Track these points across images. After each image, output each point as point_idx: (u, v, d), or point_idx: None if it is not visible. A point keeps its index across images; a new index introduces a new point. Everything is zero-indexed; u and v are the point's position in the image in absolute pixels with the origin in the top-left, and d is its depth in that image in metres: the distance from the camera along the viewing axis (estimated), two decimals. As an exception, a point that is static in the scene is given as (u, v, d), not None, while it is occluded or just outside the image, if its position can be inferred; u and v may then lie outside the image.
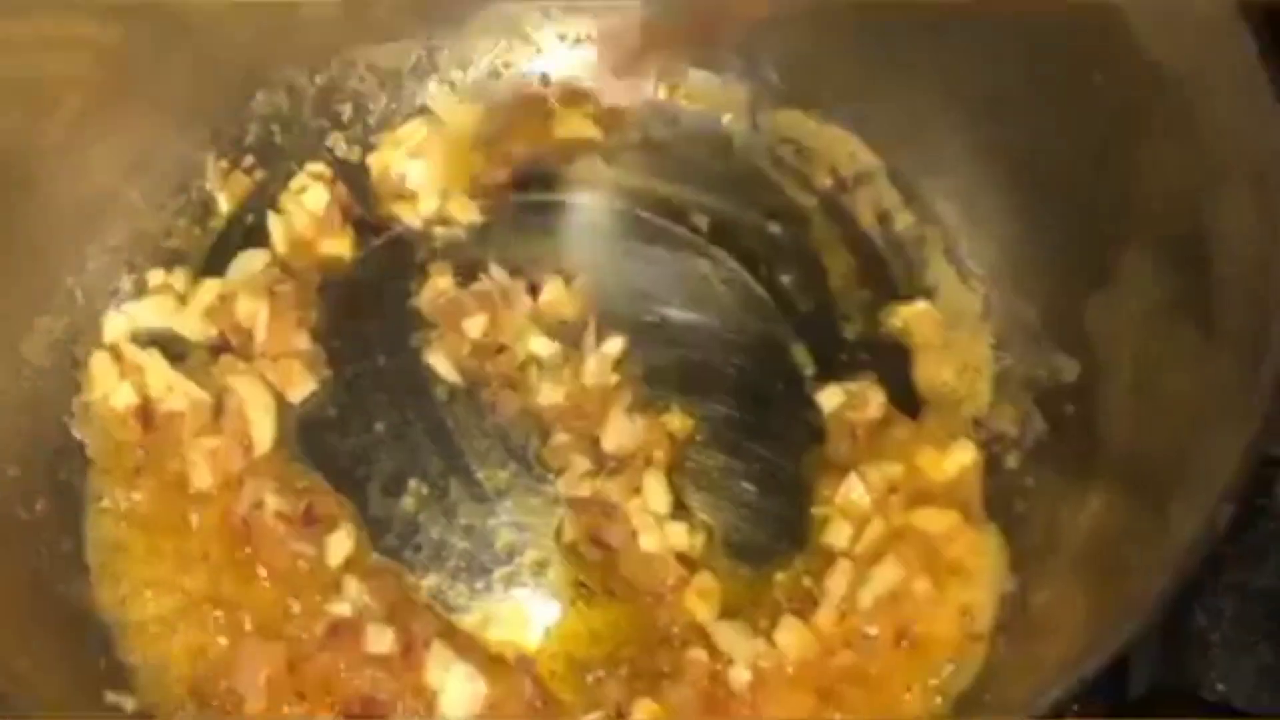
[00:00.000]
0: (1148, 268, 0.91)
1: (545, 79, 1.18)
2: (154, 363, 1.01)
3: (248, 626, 0.94)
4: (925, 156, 1.10)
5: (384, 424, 1.04)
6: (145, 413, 1.00)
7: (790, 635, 0.93)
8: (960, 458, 1.00)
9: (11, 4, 0.93)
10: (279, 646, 0.93)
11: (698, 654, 0.92)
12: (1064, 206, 1.00)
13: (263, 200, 1.13)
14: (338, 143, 1.18)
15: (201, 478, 0.97)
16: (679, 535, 0.97)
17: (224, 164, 1.14)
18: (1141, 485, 0.85)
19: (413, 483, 1.02)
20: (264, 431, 1.00)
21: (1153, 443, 0.87)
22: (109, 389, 1.00)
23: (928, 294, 1.09)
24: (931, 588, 0.93)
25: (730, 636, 0.92)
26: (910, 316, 1.07)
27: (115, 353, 1.02)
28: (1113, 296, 0.94)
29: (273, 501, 0.95)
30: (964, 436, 1.01)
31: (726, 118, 1.17)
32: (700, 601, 0.95)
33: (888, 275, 1.11)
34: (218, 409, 1.00)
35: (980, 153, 1.06)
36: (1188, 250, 0.86)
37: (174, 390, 1.00)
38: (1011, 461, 1.02)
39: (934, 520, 0.96)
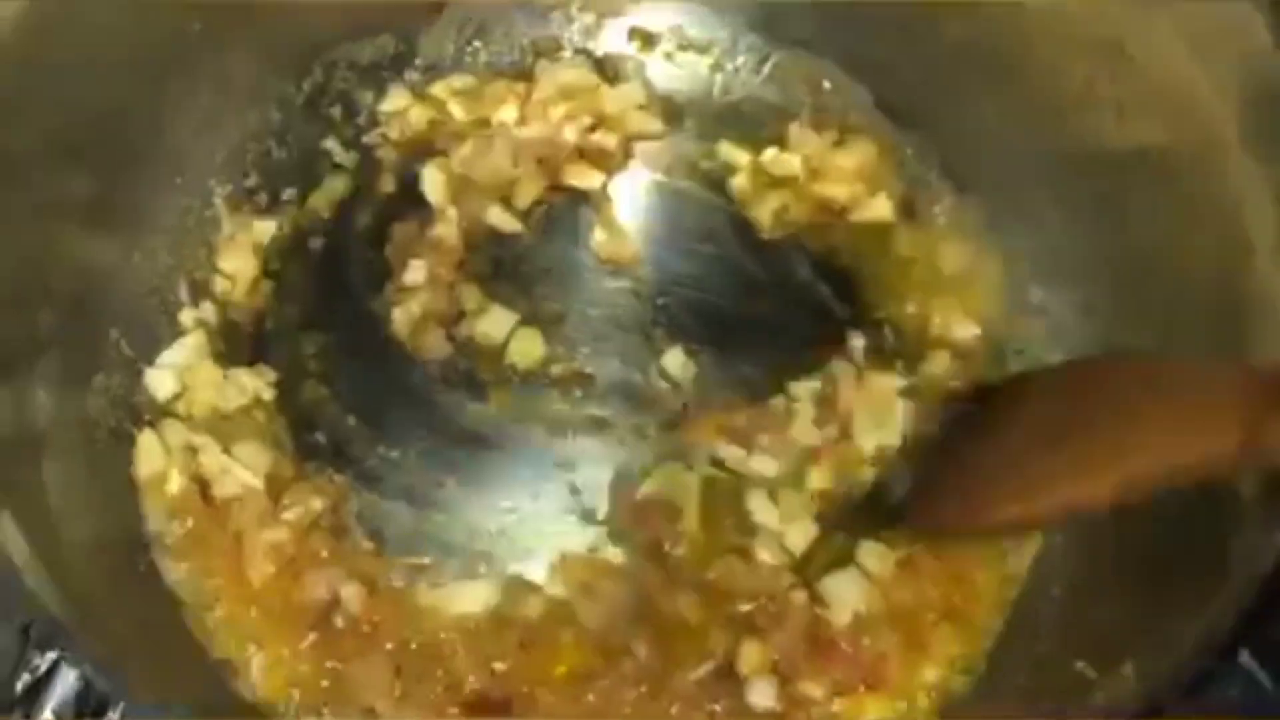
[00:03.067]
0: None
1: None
2: (204, 444, 1.02)
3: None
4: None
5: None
6: (203, 493, 1.01)
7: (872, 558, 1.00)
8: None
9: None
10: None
11: (797, 595, 0.98)
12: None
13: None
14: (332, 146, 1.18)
15: (259, 573, 0.99)
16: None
17: (229, 188, 1.14)
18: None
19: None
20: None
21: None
22: (159, 472, 1.02)
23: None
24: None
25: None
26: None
27: (161, 433, 1.03)
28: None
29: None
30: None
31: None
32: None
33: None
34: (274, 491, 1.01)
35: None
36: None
37: (228, 473, 1.01)
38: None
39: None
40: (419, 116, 1.19)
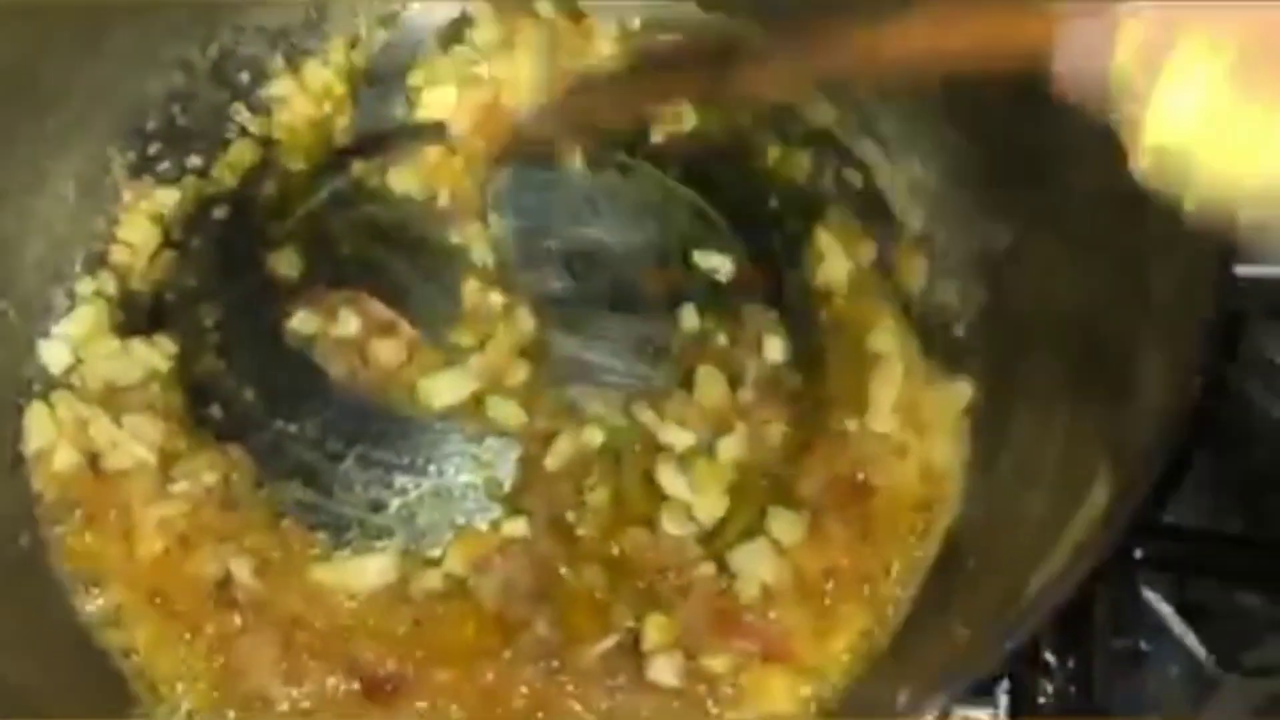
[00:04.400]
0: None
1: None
2: (95, 416, 0.99)
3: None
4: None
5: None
6: (93, 466, 0.99)
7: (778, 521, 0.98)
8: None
9: None
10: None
11: (705, 568, 0.95)
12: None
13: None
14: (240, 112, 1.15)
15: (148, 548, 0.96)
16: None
17: (130, 156, 1.11)
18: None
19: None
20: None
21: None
22: (48, 445, 0.99)
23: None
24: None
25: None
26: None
27: (52, 405, 1.00)
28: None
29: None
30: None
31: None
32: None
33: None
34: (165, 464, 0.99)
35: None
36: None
37: (119, 447, 0.98)
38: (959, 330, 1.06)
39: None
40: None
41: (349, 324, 1.05)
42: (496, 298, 1.06)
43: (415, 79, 1.17)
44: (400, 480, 1.02)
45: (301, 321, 1.06)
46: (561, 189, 1.13)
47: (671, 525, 0.99)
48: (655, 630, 0.95)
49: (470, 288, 1.07)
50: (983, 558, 0.95)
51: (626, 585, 0.97)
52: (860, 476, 1.02)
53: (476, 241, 1.09)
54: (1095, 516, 0.75)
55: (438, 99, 1.14)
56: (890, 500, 1.01)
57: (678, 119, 1.14)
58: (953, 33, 0.75)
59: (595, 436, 1.01)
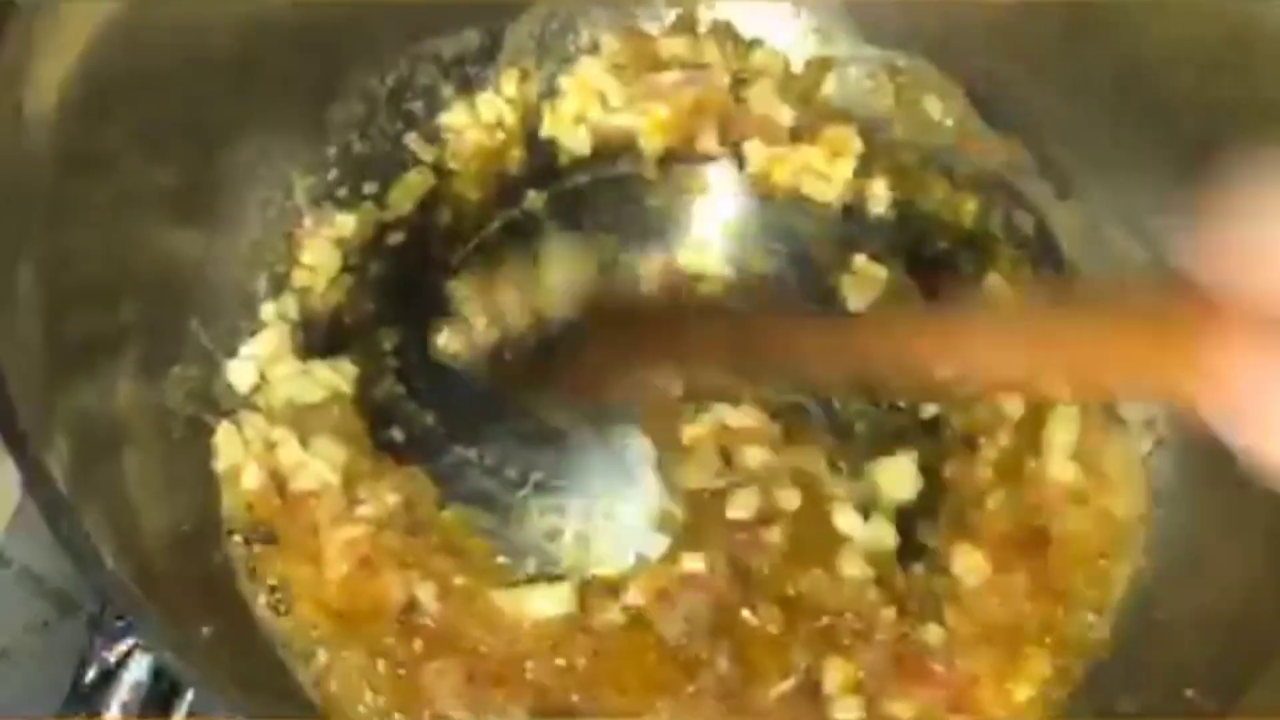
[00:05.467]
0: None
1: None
2: (282, 436, 1.00)
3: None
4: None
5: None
6: (279, 486, 1.00)
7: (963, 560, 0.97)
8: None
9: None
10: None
11: (887, 612, 0.94)
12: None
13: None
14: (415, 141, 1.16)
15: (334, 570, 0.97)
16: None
17: (311, 181, 1.13)
18: None
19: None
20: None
21: None
22: (236, 464, 1.00)
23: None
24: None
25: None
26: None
27: (239, 425, 1.01)
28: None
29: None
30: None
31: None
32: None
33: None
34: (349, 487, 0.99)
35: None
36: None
37: (304, 468, 0.99)
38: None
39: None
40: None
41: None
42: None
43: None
44: (576, 506, 1.01)
45: (446, 339, 1.07)
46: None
47: (850, 567, 0.97)
48: (835, 673, 0.94)
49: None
50: (1174, 611, 0.93)
51: (805, 626, 0.96)
52: (1039, 523, 1.00)
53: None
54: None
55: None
56: (1069, 548, 1.00)
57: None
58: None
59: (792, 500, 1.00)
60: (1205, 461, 0.97)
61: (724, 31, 1.19)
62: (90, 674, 0.94)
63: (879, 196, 1.14)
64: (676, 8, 1.20)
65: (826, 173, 1.14)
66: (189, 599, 0.86)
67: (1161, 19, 0.95)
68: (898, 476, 1.02)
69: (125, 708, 0.94)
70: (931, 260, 1.12)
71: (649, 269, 1.11)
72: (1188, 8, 0.93)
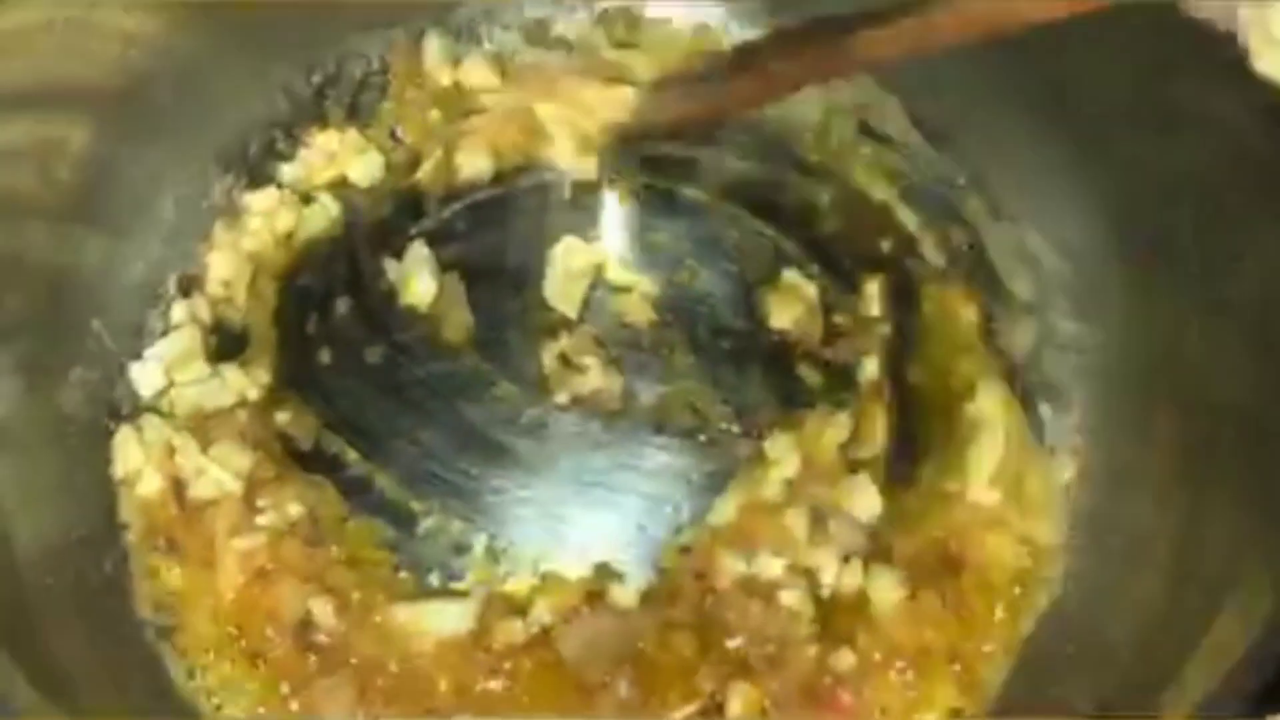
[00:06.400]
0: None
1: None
2: (182, 442, 0.98)
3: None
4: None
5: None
6: (178, 493, 0.98)
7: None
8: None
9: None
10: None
11: (810, 646, 0.93)
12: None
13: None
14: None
15: (230, 581, 0.95)
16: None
17: (229, 180, 1.10)
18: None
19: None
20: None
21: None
22: (135, 470, 0.98)
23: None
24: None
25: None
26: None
27: (140, 430, 0.99)
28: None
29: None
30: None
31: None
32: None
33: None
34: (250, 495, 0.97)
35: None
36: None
37: (205, 475, 0.97)
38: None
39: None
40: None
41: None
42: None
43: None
44: (488, 525, 0.99)
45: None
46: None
47: (790, 598, 0.95)
48: (739, 699, 0.92)
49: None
50: (1084, 644, 0.91)
51: (716, 651, 0.94)
52: (954, 546, 0.98)
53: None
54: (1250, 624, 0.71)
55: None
56: (984, 575, 0.98)
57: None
58: None
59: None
60: (1121, 490, 0.95)
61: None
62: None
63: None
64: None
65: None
66: (64, 618, 0.83)
67: (1093, 49, 0.92)
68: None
69: None
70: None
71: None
72: (1118, 42, 0.91)
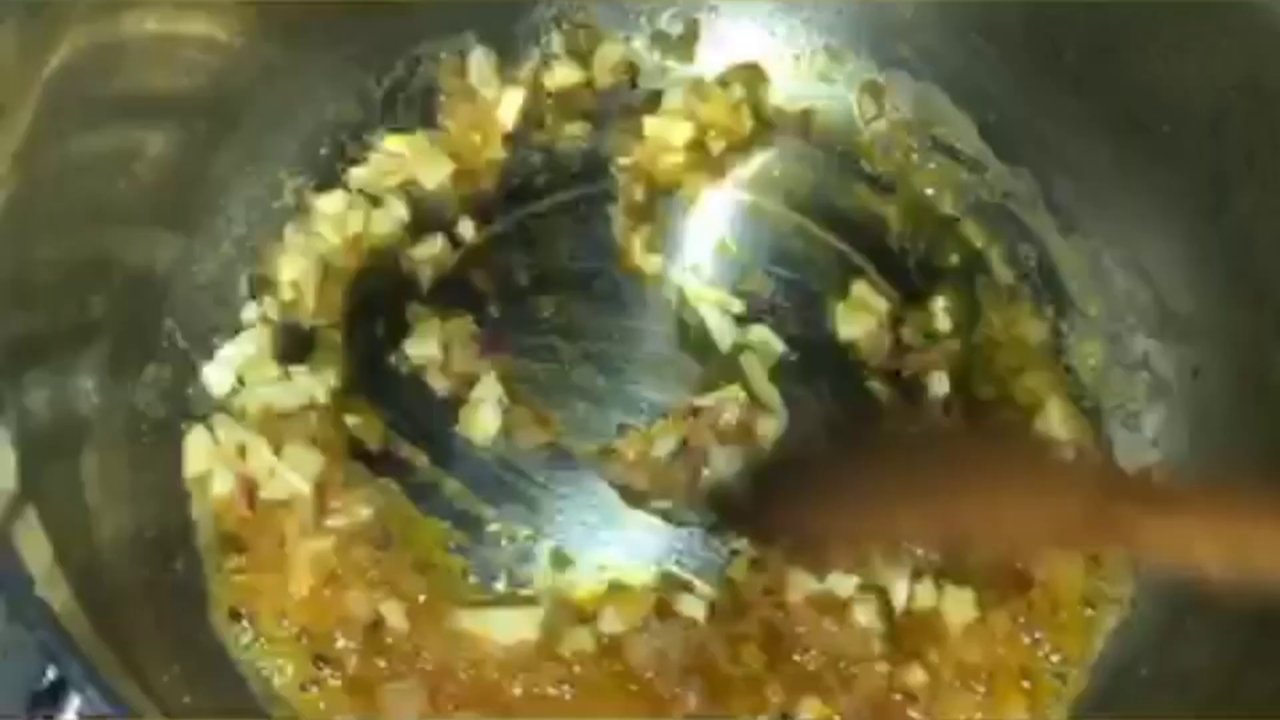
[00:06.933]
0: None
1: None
2: (254, 443, 0.98)
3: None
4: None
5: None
6: (249, 494, 0.97)
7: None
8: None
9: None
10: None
11: (881, 665, 0.93)
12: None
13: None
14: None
15: (300, 582, 0.94)
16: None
17: (300, 181, 1.10)
18: None
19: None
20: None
21: None
22: (206, 470, 0.98)
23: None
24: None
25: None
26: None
27: (211, 429, 0.99)
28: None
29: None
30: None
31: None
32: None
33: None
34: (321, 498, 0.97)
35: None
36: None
37: (276, 476, 0.97)
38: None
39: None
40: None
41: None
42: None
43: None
44: (557, 532, 1.00)
45: (413, 346, 1.05)
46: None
47: (863, 616, 0.95)
48: (810, 714, 0.92)
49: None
50: (1158, 668, 0.90)
51: (787, 665, 0.93)
52: (1024, 565, 0.98)
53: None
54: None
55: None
56: (1054, 594, 0.97)
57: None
58: None
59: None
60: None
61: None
62: (46, 679, 0.92)
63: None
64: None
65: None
66: (140, 613, 0.83)
67: (1174, 61, 0.91)
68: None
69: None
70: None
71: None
72: (1201, 52, 0.90)
